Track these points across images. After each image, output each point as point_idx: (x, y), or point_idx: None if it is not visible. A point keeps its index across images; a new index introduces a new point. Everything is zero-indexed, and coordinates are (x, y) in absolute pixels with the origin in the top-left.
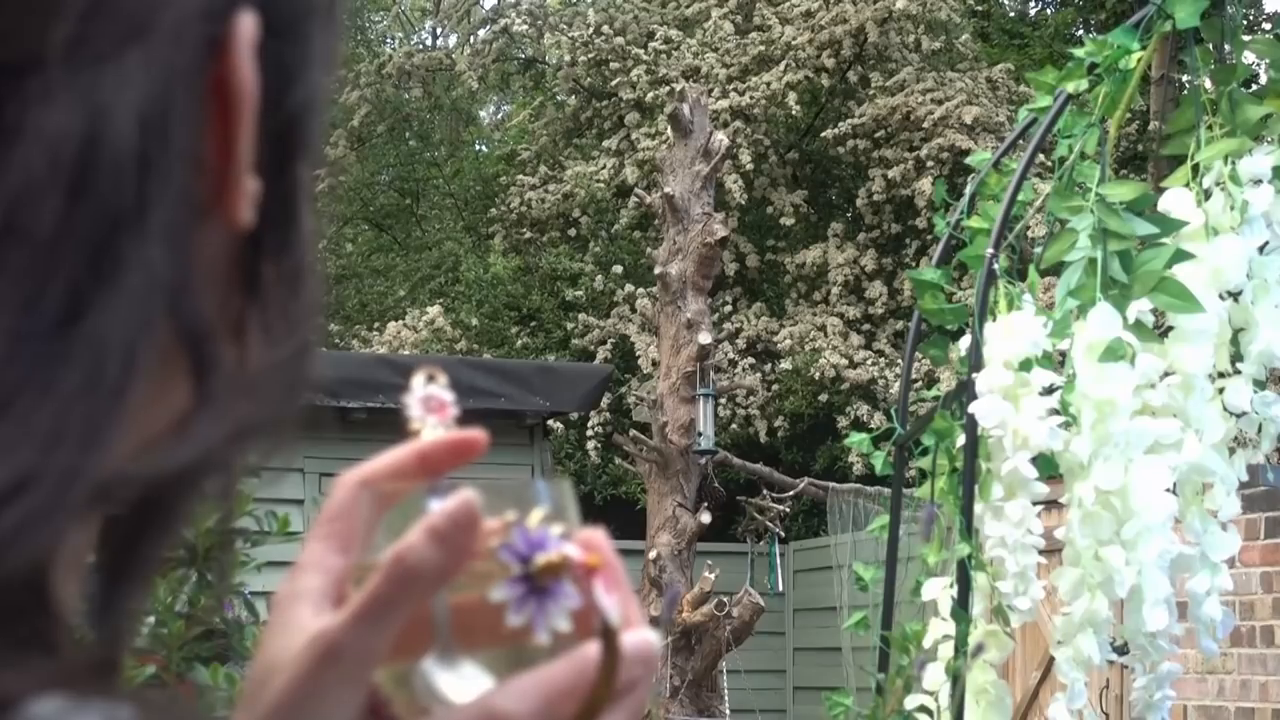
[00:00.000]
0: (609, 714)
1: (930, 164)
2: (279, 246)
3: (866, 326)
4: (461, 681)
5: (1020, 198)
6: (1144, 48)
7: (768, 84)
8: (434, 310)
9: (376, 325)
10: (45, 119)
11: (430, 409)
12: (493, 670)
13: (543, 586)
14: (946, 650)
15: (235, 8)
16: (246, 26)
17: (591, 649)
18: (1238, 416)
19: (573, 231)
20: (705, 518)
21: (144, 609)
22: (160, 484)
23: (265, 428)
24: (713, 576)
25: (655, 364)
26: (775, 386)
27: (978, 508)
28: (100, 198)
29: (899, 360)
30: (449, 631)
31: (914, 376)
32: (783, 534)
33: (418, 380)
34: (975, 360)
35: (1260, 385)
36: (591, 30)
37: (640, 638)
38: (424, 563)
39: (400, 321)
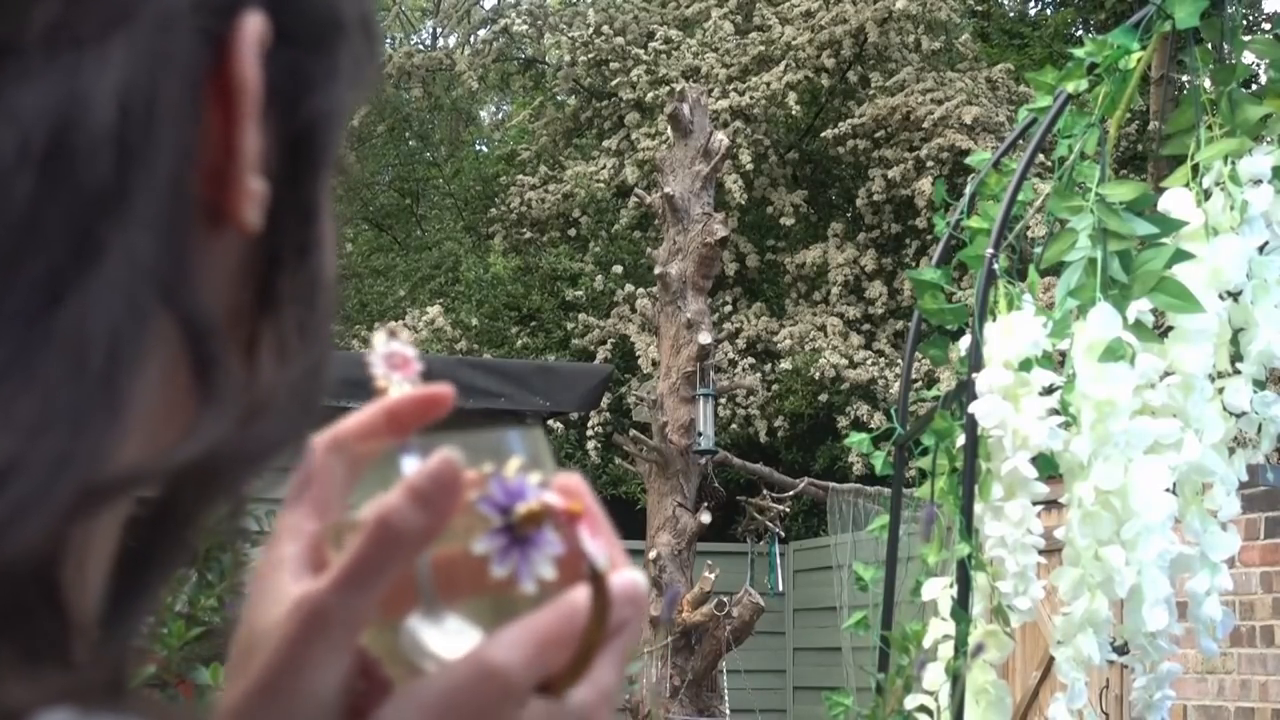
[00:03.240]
0: (601, 657)
1: (930, 164)
2: (296, 259)
3: (866, 326)
4: (448, 637)
5: (1020, 198)
6: (1144, 48)
7: (768, 84)
8: (434, 310)
9: (376, 325)
10: (18, 99)
11: (394, 365)
12: (479, 622)
13: (525, 536)
14: (946, 650)
15: (240, 6)
16: (252, 26)
17: (579, 594)
18: (1238, 416)
19: (573, 231)
20: (705, 518)
21: (154, 614)
22: (169, 482)
23: (279, 447)
24: (713, 576)
25: (655, 364)
26: (775, 386)
27: (978, 508)
28: (77, 180)
29: (899, 360)
30: (433, 588)
31: (914, 376)
32: (783, 534)
33: (379, 338)
34: (975, 360)
35: (1260, 385)
36: (591, 30)
37: (627, 578)
38: (407, 524)
39: (400, 321)
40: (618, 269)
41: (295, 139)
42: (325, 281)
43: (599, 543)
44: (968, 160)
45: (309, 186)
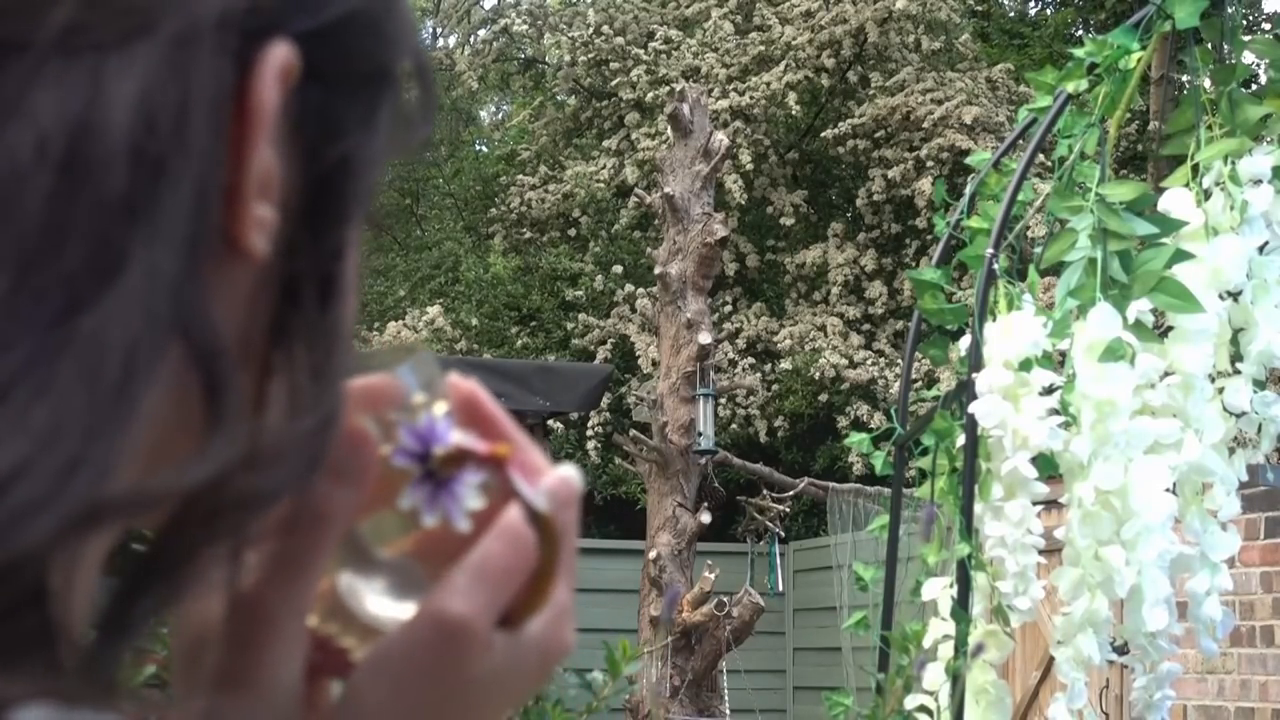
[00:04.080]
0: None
1: (930, 164)
2: (314, 304)
3: (866, 326)
4: (391, 593)
5: (1020, 198)
6: (1144, 48)
7: (768, 84)
8: (434, 310)
9: (376, 325)
10: (36, 99)
11: None
12: (412, 558)
13: (447, 478)
14: (946, 650)
15: (270, 32)
16: (277, 53)
17: (514, 517)
18: (1238, 416)
19: (573, 231)
20: (705, 518)
21: (158, 629)
22: (173, 510)
23: (283, 495)
24: (713, 576)
25: (655, 364)
26: (775, 386)
27: (978, 508)
28: (97, 187)
29: (899, 360)
30: (362, 544)
31: (914, 376)
32: (783, 534)
33: None
34: (975, 360)
35: (1260, 385)
36: (591, 30)
37: (558, 479)
38: (331, 504)
39: (400, 321)
40: (618, 269)
41: (320, 180)
42: (345, 333)
43: (530, 483)
44: (968, 160)
45: (332, 231)
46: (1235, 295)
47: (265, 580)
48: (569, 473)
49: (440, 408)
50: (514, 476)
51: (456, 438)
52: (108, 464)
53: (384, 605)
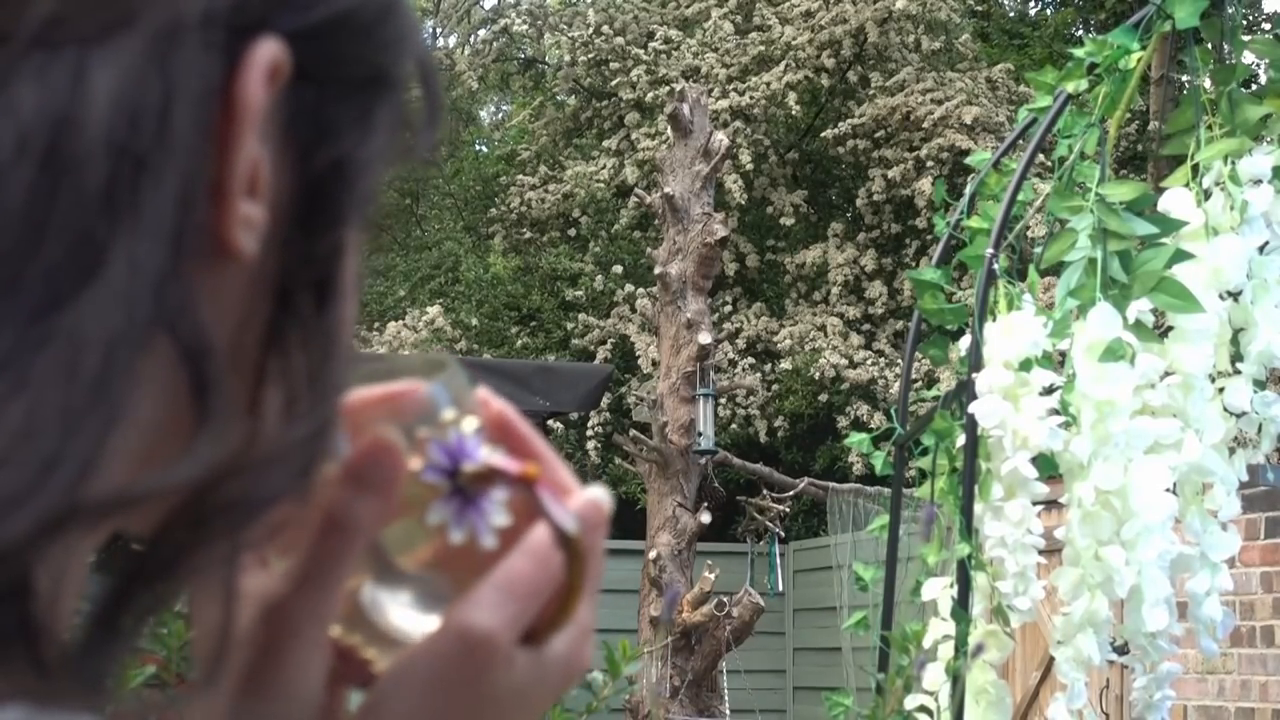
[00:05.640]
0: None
1: (930, 164)
2: (310, 309)
3: (866, 326)
4: (414, 605)
5: (1020, 198)
6: (1144, 48)
7: (768, 84)
8: (434, 310)
9: (376, 325)
10: (17, 93)
11: None
12: (439, 574)
13: (475, 495)
14: (946, 650)
15: (258, 29)
16: (264, 50)
17: (541, 535)
18: (1238, 416)
19: (573, 231)
20: (705, 518)
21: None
22: (165, 513)
23: (276, 501)
24: (713, 576)
25: (655, 364)
26: (775, 386)
27: (978, 508)
28: (78, 182)
29: (899, 360)
30: (385, 554)
31: (914, 376)
32: (783, 534)
33: None
34: (975, 360)
35: (1260, 385)
36: (591, 30)
37: (586, 501)
38: (354, 515)
39: (400, 321)
40: (618, 269)
41: (314, 183)
42: (342, 339)
43: (562, 505)
44: (968, 160)
45: (327, 234)
46: (1235, 295)
47: (289, 588)
48: (598, 494)
49: (470, 423)
50: (543, 496)
51: (486, 454)
52: (87, 461)
53: (408, 618)
